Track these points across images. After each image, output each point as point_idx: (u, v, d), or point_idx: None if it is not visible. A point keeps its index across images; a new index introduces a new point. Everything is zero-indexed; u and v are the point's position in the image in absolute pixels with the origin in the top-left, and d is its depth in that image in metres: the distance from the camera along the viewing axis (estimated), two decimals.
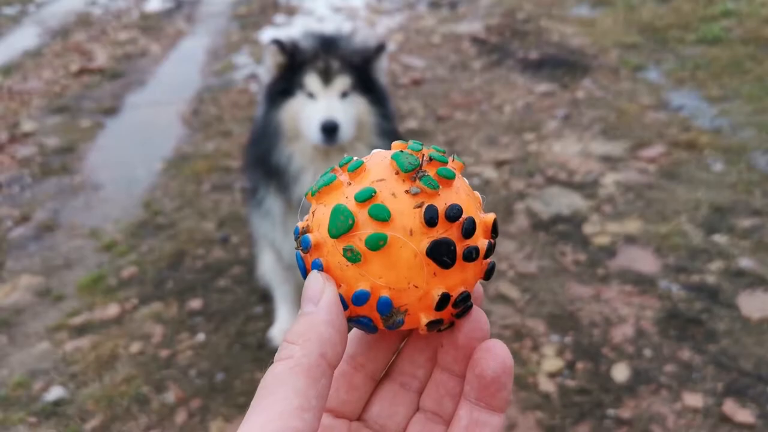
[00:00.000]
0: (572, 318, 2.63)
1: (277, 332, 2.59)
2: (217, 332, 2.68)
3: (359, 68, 2.11)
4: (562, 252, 3.03)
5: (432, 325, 0.51)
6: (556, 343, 2.50)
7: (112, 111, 5.15)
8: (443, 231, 0.48)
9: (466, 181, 0.54)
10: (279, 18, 7.05)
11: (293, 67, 2.10)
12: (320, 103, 2.05)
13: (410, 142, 0.54)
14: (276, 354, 0.47)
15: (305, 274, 0.51)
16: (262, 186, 2.24)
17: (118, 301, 2.89)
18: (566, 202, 3.42)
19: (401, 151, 0.52)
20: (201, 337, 2.66)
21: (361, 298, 0.48)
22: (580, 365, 2.39)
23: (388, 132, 2.19)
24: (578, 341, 2.51)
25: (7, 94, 5.48)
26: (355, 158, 0.53)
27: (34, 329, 2.80)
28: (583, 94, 4.75)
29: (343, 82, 2.07)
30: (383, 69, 2.21)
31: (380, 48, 2.13)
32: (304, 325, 0.46)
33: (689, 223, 3.15)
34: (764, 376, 2.28)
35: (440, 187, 0.49)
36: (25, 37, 7.26)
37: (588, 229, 3.19)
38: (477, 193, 0.55)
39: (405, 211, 0.48)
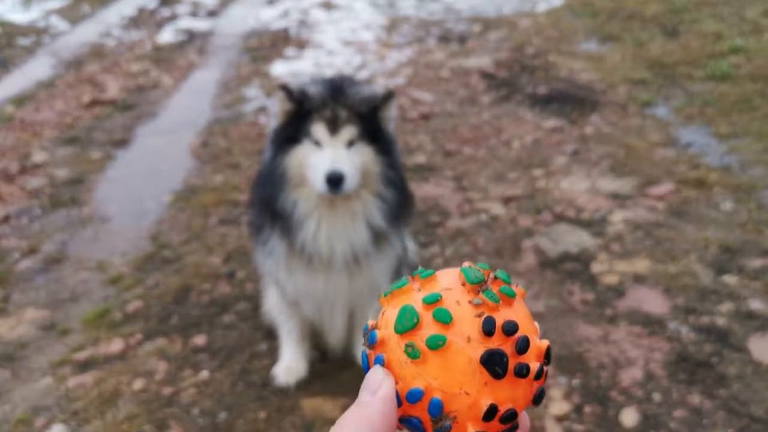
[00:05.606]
0: (580, 360, 2.60)
1: (281, 370, 2.57)
2: (221, 369, 2.66)
3: (367, 117, 2.11)
4: (570, 291, 3.01)
5: None
6: (563, 385, 2.47)
7: (122, 143, 5.19)
8: (499, 343, 0.52)
9: (527, 308, 0.60)
10: (290, 51, 7.12)
11: (300, 114, 2.10)
12: (326, 153, 2.05)
13: (479, 263, 0.59)
14: None
15: (368, 369, 0.55)
16: (267, 227, 2.24)
17: (122, 336, 2.88)
18: (574, 239, 3.40)
19: (470, 266, 0.58)
20: (205, 374, 2.64)
21: (415, 396, 0.52)
22: (587, 409, 2.36)
23: (394, 181, 2.19)
24: (586, 384, 2.47)
25: (19, 125, 5.54)
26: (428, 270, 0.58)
27: (37, 364, 2.78)
28: (591, 129, 4.75)
29: (349, 131, 2.07)
30: (392, 117, 2.22)
31: (388, 96, 2.13)
32: (359, 413, 0.50)
33: (698, 263, 3.12)
34: None
35: (501, 302, 0.55)
36: (38, 68, 7.36)
37: (596, 267, 3.16)
38: (535, 323, 0.61)
39: (466, 318, 0.53)
